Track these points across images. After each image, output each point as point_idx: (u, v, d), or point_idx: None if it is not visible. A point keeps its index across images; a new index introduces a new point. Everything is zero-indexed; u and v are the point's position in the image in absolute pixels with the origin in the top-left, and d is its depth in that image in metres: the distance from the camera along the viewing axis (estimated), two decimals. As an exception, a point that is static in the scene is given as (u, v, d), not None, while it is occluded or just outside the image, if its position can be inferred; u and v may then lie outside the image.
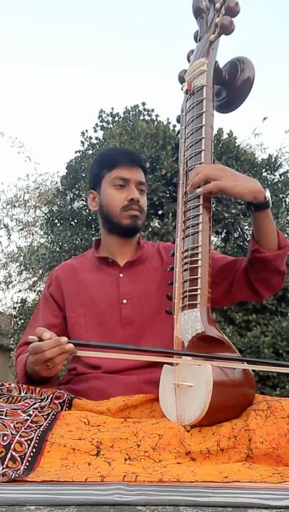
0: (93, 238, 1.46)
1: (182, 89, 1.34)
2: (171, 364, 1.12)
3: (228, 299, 1.40)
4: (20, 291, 8.26)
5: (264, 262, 1.26)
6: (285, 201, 4.59)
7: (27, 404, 1.09)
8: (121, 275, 1.39)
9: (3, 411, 1.02)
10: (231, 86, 1.31)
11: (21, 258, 7.90)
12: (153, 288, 1.37)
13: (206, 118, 1.23)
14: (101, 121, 5.21)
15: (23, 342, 1.41)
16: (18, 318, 5.81)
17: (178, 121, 1.36)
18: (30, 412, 1.05)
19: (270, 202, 1.21)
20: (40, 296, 1.51)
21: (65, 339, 1.08)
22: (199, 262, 1.13)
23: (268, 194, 1.19)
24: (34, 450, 0.93)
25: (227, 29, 1.24)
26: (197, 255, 1.14)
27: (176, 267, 1.19)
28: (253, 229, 1.28)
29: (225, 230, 4.23)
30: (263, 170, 4.58)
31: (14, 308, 6.28)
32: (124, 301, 1.35)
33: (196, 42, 1.35)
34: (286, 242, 1.27)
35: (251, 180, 1.20)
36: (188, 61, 1.36)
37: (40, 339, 1.10)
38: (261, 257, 1.25)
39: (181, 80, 1.36)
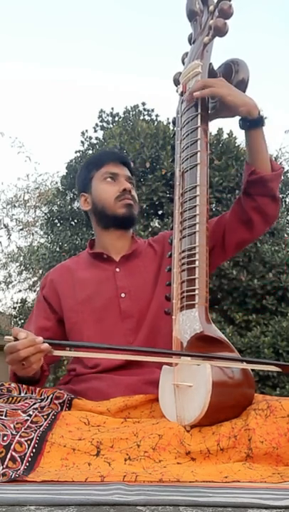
0: (93, 238, 1.49)
1: (177, 91, 1.35)
2: (170, 364, 1.12)
3: (223, 252, 1.39)
4: (20, 291, 8.28)
5: (262, 184, 1.27)
6: (285, 201, 4.60)
7: (27, 405, 1.09)
8: (117, 269, 1.40)
9: (3, 411, 1.02)
10: (226, 87, 1.31)
11: (21, 258, 7.92)
12: (149, 280, 1.38)
13: (200, 119, 1.23)
14: (101, 121, 5.22)
15: None
16: (18, 318, 5.81)
17: (173, 123, 1.37)
18: (30, 413, 1.05)
19: (264, 120, 1.24)
20: (35, 299, 1.52)
21: (40, 339, 1.10)
22: (197, 263, 1.13)
23: (262, 111, 1.23)
24: (34, 450, 0.93)
25: (221, 31, 1.24)
26: (194, 255, 1.14)
27: (173, 267, 1.19)
28: (247, 155, 1.30)
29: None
30: (263, 170, 4.57)
31: (14, 308, 6.29)
32: (123, 294, 1.36)
33: (191, 44, 1.35)
34: (279, 166, 1.30)
35: (247, 95, 1.24)
36: (183, 63, 1.36)
37: (16, 339, 1.11)
38: (259, 178, 1.26)
39: (176, 82, 1.36)
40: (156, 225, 4.10)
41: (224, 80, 1.24)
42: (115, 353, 1.16)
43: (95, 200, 1.44)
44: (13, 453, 0.90)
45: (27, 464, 0.89)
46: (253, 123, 1.23)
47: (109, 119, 5.22)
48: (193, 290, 1.12)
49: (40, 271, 5.98)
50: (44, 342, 1.10)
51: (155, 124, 4.76)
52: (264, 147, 1.27)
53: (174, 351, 1.12)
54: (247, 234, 1.36)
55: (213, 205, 4.00)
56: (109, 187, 1.42)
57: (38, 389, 1.21)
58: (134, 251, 1.43)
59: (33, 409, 1.08)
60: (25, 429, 0.97)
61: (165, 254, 1.37)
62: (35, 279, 7.61)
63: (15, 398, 1.13)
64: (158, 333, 1.30)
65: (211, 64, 1.29)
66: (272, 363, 1.15)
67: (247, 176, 1.29)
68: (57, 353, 1.14)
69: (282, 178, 4.60)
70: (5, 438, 0.92)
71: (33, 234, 8.24)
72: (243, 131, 1.27)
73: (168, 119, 4.71)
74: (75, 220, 4.72)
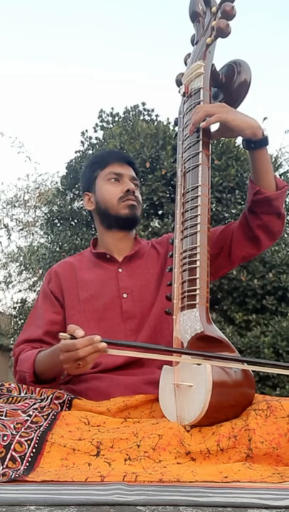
0: (94, 237, 1.51)
1: (179, 91, 1.35)
2: (171, 364, 1.12)
3: (229, 262, 1.40)
4: (20, 291, 8.27)
5: (267, 203, 1.27)
6: (285, 201, 4.60)
7: (27, 405, 1.09)
8: (120, 270, 1.40)
9: (3, 411, 1.02)
10: (228, 88, 1.31)
11: (21, 258, 7.91)
12: (152, 281, 1.38)
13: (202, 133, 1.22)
14: (101, 121, 5.21)
15: (22, 340, 1.40)
16: (18, 318, 5.81)
17: (176, 123, 1.37)
18: (30, 413, 1.05)
19: (268, 139, 1.24)
20: (39, 293, 1.51)
21: (98, 338, 1.03)
22: (198, 263, 1.13)
23: (266, 131, 1.23)
24: (34, 450, 0.93)
25: (223, 32, 1.25)
26: (196, 256, 1.14)
27: (174, 267, 1.20)
28: (251, 173, 1.30)
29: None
30: (263, 170, 4.57)
31: (14, 308, 6.28)
32: (125, 295, 1.36)
33: (193, 45, 1.36)
34: (283, 183, 1.30)
35: (250, 117, 1.23)
36: (186, 64, 1.37)
37: (73, 337, 1.05)
38: (264, 198, 1.26)
39: (179, 82, 1.36)
40: (156, 225, 4.10)
41: (225, 104, 1.24)
42: (166, 354, 1.12)
43: (98, 200, 1.44)
44: (13, 453, 0.90)
45: (27, 464, 0.89)
46: (257, 144, 1.23)
47: (109, 119, 5.22)
48: (194, 290, 1.12)
49: (40, 271, 5.98)
50: (101, 341, 1.04)
51: (155, 124, 4.76)
52: (268, 166, 1.27)
53: (176, 349, 1.11)
54: (254, 250, 1.38)
55: (213, 205, 4.00)
56: (113, 187, 1.42)
57: (37, 389, 1.21)
58: (136, 252, 1.43)
59: (33, 409, 1.08)
60: (25, 429, 0.97)
61: (168, 255, 1.37)
62: (35, 279, 7.60)
63: (15, 398, 1.14)
64: (160, 334, 1.30)
65: (213, 65, 1.29)
66: (273, 363, 1.15)
67: (252, 195, 1.28)
68: (112, 352, 1.07)
69: (282, 178, 4.61)
70: (5, 438, 0.92)
71: (33, 234, 8.24)
72: (248, 151, 1.27)
73: (168, 119, 4.71)
74: (75, 220, 4.71)
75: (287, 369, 1.09)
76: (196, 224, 1.16)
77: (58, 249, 4.48)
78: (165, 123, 4.55)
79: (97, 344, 1.03)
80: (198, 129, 1.22)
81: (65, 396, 1.19)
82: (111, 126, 5.04)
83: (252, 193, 1.28)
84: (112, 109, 5.23)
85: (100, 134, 5.03)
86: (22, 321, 5.63)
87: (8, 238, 8.46)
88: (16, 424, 0.98)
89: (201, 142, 1.22)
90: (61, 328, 1.33)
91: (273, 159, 4.60)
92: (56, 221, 4.81)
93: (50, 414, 1.07)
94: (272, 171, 1.29)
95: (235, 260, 1.40)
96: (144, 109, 5.34)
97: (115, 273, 1.40)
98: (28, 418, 1.02)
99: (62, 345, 1.06)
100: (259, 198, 1.27)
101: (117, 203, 1.40)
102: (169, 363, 1.13)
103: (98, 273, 1.41)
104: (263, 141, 1.23)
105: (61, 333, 1.06)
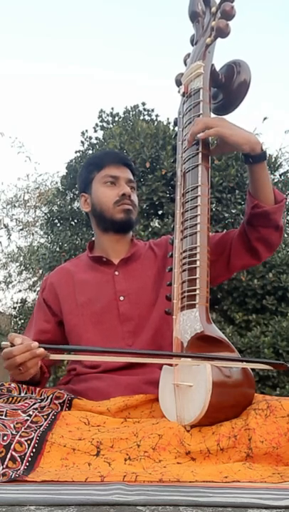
0: (93, 238, 1.51)
1: (179, 91, 1.35)
2: (170, 364, 1.12)
3: (228, 271, 1.41)
4: (20, 291, 8.28)
5: (265, 217, 1.27)
6: (287, 201, 4.59)
7: (27, 405, 1.09)
8: (116, 273, 1.40)
9: (3, 411, 1.02)
10: (228, 88, 1.31)
11: (21, 258, 7.92)
12: (149, 283, 1.38)
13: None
14: (101, 121, 5.23)
15: None
16: (18, 318, 5.82)
17: (175, 123, 1.37)
18: (30, 413, 1.05)
19: (267, 154, 1.24)
20: (35, 301, 1.53)
21: (35, 344, 1.11)
22: (198, 263, 1.13)
23: (264, 146, 1.23)
24: (34, 450, 0.93)
25: (223, 32, 1.24)
26: (195, 255, 1.14)
27: (174, 267, 1.19)
28: (249, 186, 1.30)
29: (225, 230, 4.23)
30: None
31: (14, 308, 6.30)
32: (122, 298, 1.36)
33: (193, 45, 1.35)
34: (282, 196, 1.29)
35: (248, 132, 1.23)
36: (185, 64, 1.36)
37: (12, 344, 1.13)
38: (262, 212, 1.26)
39: (178, 82, 1.36)
40: (156, 225, 4.10)
41: (224, 118, 1.24)
42: (113, 355, 1.17)
43: (94, 203, 1.44)
44: (13, 453, 0.90)
45: (27, 464, 0.89)
46: (255, 158, 1.23)
47: (109, 119, 5.23)
48: (194, 290, 1.11)
49: (40, 271, 5.98)
50: (40, 347, 1.12)
51: (155, 124, 4.77)
52: (267, 180, 1.27)
53: (172, 353, 1.12)
54: (252, 261, 1.39)
55: (213, 205, 4.00)
56: (108, 191, 1.42)
57: (38, 389, 1.22)
58: (133, 254, 1.43)
59: (33, 409, 1.08)
60: (25, 429, 0.97)
61: (166, 256, 1.37)
62: (35, 279, 7.61)
63: (15, 398, 1.14)
64: (162, 336, 1.30)
65: (213, 65, 1.29)
66: (270, 362, 1.15)
67: (250, 208, 1.28)
68: (53, 356, 1.15)
69: (282, 178, 4.61)
70: (5, 438, 0.92)
71: (33, 234, 8.25)
72: (246, 165, 1.27)
73: (168, 119, 4.72)
74: (75, 220, 4.72)
75: (280, 365, 1.09)
76: (196, 224, 1.16)
77: (58, 249, 4.49)
78: (165, 123, 4.56)
79: (34, 350, 1.11)
80: (197, 141, 1.22)
81: (65, 396, 1.19)
82: (111, 126, 5.05)
83: (250, 206, 1.28)
84: (112, 109, 5.25)
85: (100, 134, 5.04)
86: (22, 321, 5.64)
87: (8, 238, 8.48)
88: (16, 424, 0.98)
89: (200, 142, 1.22)
90: (52, 337, 1.39)
91: (273, 159, 4.60)
92: (56, 221, 4.82)
93: (50, 414, 1.07)
94: (271, 185, 1.29)
95: (233, 269, 1.41)
96: (144, 109, 5.36)
97: (112, 276, 1.40)
98: (28, 418, 1.02)
99: (3, 353, 1.13)
100: (257, 211, 1.27)
101: (112, 207, 1.40)
102: (169, 363, 1.13)
103: (95, 276, 1.42)
104: (262, 156, 1.23)
105: (3, 342, 1.14)
